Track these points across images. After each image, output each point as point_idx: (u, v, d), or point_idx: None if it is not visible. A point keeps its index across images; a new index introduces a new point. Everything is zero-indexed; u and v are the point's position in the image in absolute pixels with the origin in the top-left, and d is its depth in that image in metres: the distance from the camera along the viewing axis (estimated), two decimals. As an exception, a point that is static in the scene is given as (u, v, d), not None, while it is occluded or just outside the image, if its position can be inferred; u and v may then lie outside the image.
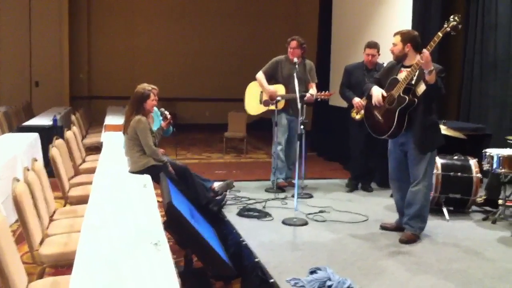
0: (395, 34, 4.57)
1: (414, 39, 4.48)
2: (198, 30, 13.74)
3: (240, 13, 13.90)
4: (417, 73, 4.34)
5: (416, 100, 4.36)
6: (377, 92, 4.58)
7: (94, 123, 10.89)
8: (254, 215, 5.13)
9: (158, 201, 3.75)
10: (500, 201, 5.19)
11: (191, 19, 13.70)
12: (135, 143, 4.90)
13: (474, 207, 5.48)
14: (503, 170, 4.96)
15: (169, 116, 5.40)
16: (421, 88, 4.32)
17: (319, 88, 6.42)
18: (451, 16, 4.29)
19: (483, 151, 5.21)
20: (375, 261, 4.02)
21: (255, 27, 13.92)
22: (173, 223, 3.52)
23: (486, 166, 5.12)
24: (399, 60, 4.55)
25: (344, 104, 6.66)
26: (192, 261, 4.02)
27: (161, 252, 2.59)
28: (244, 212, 5.19)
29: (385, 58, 6.23)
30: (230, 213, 5.17)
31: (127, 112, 5.08)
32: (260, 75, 6.36)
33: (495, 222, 5.02)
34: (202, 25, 13.75)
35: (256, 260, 3.88)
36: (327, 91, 6.39)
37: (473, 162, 5.37)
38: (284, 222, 4.93)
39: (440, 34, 4.25)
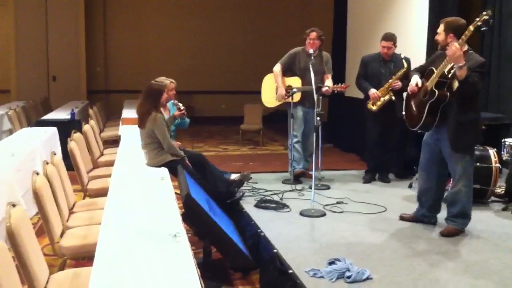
0: (441, 22, 4.41)
1: (458, 29, 4.25)
2: (212, 25, 13.73)
3: (253, 7, 13.86)
4: (452, 67, 4.15)
5: (448, 95, 4.20)
6: (413, 81, 4.47)
7: (111, 116, 10.96)
8: (271, 207, 5.14)
9: (176, 193, 3.77)
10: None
11: (205, 14, 13.69)
12: (152, 140, 4.89)
13: (493, 198, 5.43)
14: (522, 160, 4.91)
15: (182, 107, 5.40)
16: (456, 83, 4.16)
17: (335, 80, 6.39)
18: (484, 11, 4.13)
19: (502, 140, 5.16)
20: (393, 252, 4.01)
21: (268, 21, 13.88)
22: (191, 214, 3.54)
23: (505, 156, 5.07)
24: (444, 49, 4.33)
25: (360, 95, 6.63)
26: (211, 252, 4.04)
27: (180, 243, 2.60)
28: (262, 204, 5.20)
29: (401, 49, 6.20)
30: (248, 205, 5.19)
31: (140, 106, 4.97)
32: (277, 68, 6.34)
33: (515, 213, 4.98)
34: (216, 20, 13.73)
35: (275, 251, 3.89)
36: (343, 84, 6.35)
37: (492, 152, 5.31)
38: (301, 214, 4.93)
39: (471, 28, 4.09)
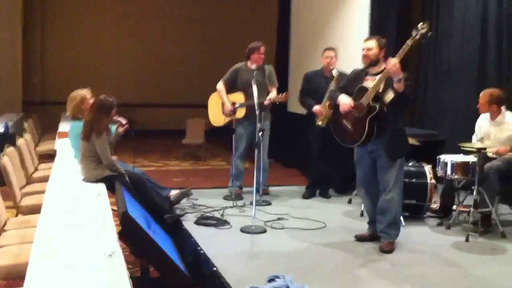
0: (369, 39, 4.55)
1: (386, 46, 4.50)
2: (155, 35, 13.55)
3: (200, 19, 13.79)
4: (384, 82, 4.31)
5: (385, 108, 4.34)
6: (344, 101, 4.51)
7: (47, 129, 10.60)
8: (212, 223, 5.10)
9: (113, 210, 3.67)
10: (454, 207, 5.30)
11: (149, 24, 13.50)
12: (90, 154, 4.76)
13: (429, 213, 5.58)
14: (456, 176, 5.06)
15: (124, 122, 5.29)
16: (389, 96, 4.31)
17: (278, 93, 6.43)
18: (420, 24, 4.26)
19: (437, 157, 5.31)
20: (333, 267, 4.04)
21: (214, 33, 13.83)
22: (129, 232, 3.43)
23: (440, 172, 5.22)
24: (372, 65, 4.49)
25: (302, 110, 6.69)
26: (149, 271, 3.94)
27: (115, 263, 2.52)
28: (202, 220, 5.15)
29: (343, 64, 6.31)
30: (188, 222, 5.12)
31: (92, 119, 4.82)
32: (220, 86, 6.33)
33: (450, 228, 5.12)
34: (159, 30, 13.57)
35: (214, 269, 3.85)
36: (284, 93, 6.32)
37: (427, 168, 5.46)
38: (242, 230, 4.90)
39: (409, 42, 4.24)
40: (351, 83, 4.64)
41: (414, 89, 7.89)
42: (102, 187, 4.15)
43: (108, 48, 13.33)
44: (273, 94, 6.22)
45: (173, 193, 5.37)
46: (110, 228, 3.11)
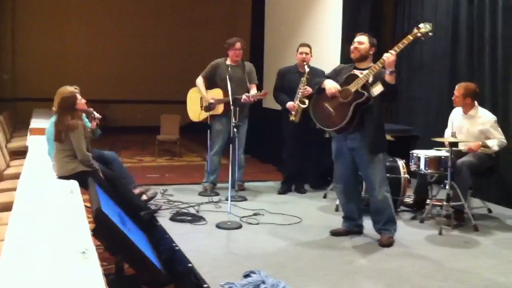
0: (361, 34, 4.54)
1: (376, 46, 4.54)
2: (129, 31, 13.41)
3: (173, 15, 13.71)
4: (373, 73, 4.30)
5: (371, 99, 4.34)
6: (331, 84, 4.45)
7: (19, 126, 10.42)
8: (187, 220, 5.07)
9: (86, 207, 3.62)
10: (427, 201, 5.36)
11: (123, 20, 13.35)
12: (65, 147, 4.70)
13: (402, 207, 5.64)
14: (429, 171, 5.12)
15: (96, 116, 5.23)
16: (377, 88, 4.31)
17: (258, 90, 6.41)
18: (422, 24, 4.25)
19: (410, 152, 5.36)
20: (308, 262, 4.05)
21: (188, 29, 13.75)
22: (102, 229, 3.40)
23: (413, 167, 5.27)
24: (361, 60, 4.48)
25: (277, 106, 6.70)
26: (123, 268, 3.90)
27: (89, 260, 2.48)
28: (177, 217, 5.12)
29: (316, 61, 6.33)
30: (163, 218, 5.09)
31: (58, 122, 4.79)
32: (200, 80, 6.31)
33: (423, 221, 5.18)
34: (134, 26, 13.43)
35: (190, 265, 3.83)
36: (261, 91, 6.34)
37: (401, 163, 5.52)
38: (218, 226, 4.89)
39: (410, 37, 4.23)
40: (337, 75, 4.61)
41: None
42: (75, 184, 4.10)
43: (80, 45, 13.15)
44: (253, 91, 6.20)
45: (139, 190, 5.35)
46: (83, 225, 3.07)
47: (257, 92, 6.19)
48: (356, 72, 4.44)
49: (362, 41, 4.50)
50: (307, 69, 6.03)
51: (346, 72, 4.53)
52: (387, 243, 4.48)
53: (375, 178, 4.50)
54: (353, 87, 4.37)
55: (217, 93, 6.21)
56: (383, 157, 4.58)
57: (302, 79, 6.06)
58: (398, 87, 4.35)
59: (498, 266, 4.05)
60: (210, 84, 6.31)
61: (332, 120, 4.49)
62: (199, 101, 6.36)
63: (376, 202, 4.55)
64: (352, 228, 4.76)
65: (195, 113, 6.43)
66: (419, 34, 4.24)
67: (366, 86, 4.34)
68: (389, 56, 4.18)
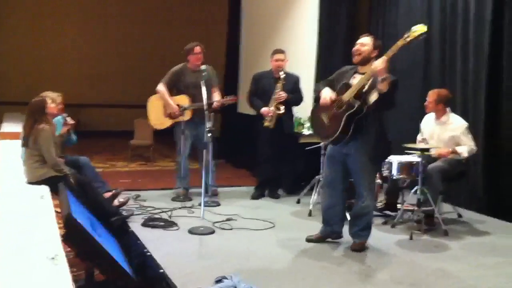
0: (365, 36, 4.43)
1: (380, 48, 4.40)
2: (103, 34, 13.30)
3: (148, 18, 13.61)
4: (370, 81, 4.21)
5: (364, 108, 4.24)
6: (325, 94, 4.40)
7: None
8: (159, 225, 5.03)
9: (57, 212, 3.57)
10: (398, 206, 5.42)
11: (96, 23, 13.22)
12: (34, 152, 4.65)
13: (375, 212, 5.67)
14: (401, 176, 5.18)
15: (69, 121, 5.17)
16: (373, 97, 4.21)
17: (228, 94, 6.40)
18: (414, 27, 4.10)
19: (383, 157, 5.40)
20: (280, 267, 4.06)
21: (162, 33, 13.68)
22: (73, 235, 3.35)
23: (385, 172, 5.33)
24: (363, 63, 4.36)
25: (252, 111, 6.71)
26: (94, 274, 3.86)
27: (58, 266, 2.46)
28: (149, 222, 5.08)
29: (292, 67, 6.36)
30: (135, 224, 5.04)
31: (25, 125, 4.77)
32: (162, 87, 6.22)
33: (394, 226, 5.23)
34: (108, 29, 13.32)
35: (161, 271, 3.80)
36: (231, 96, 6.31)
37: (373, 168, 5.56)
38: (190, 232, 4.86)
39: (399, 43, 4.09)
40: (338, 78, 4.52)
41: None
42: (45, 189, 4.05)
43: (52, 49, 12.95)
44: (218, 95, 6.19)
45: (108, 195, 5.31)
46: (53, 231, 3.03)
47: (226, 97, 6.18)
48: (353, 81, 4.35)
49: (364, 42, 4.36)
50: (282, 75, 6.06)
51: (348, 76, 4.44)
52: (359, 248, 4.50)
53: (365, 184, 4.45)
54: (346, 97, 4.29)
55: (183, 100, 6.16)
56: (376, 167, 4.56)
57: (277, 85, 6.09)
58: (394, 96, 4.18)
59: (467, 270, 4.11)
60: (171, 91, 6.25)
61: (326, 131, 4.45)
62: (162, 108, 6.28)
63: (360, 208, 4.51)
64: (329, 234, 4.71)
65: (159, 120, 6.33)
66: (408, 39, 4.08)
67: (361, 95, 4.25)
68: (377, 64, 4.08)
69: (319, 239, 4.71)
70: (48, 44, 12.94)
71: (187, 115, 6.14)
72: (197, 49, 6.13)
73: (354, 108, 4.23)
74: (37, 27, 12.87)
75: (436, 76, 6.62)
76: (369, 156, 4.37)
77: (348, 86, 4.35)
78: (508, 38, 5.65)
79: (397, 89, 4.26)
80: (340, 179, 4.59)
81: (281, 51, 6.27)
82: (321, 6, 7.11)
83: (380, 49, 4.40)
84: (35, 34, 12.84)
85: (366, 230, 4.58)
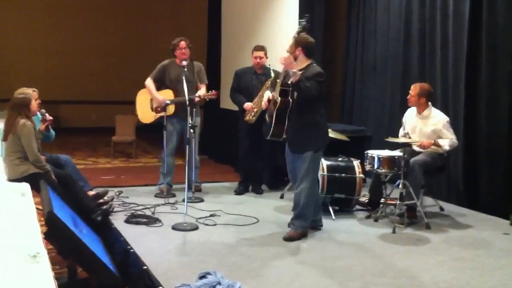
0: (292, 39, 4.72)
1: (306, 44, 4.63)
2: (83, 28, 13.13)
3: (126, 13, 13.48)
4: (283, 76, 4.56)
5: (290, 101, 4.56)
6: (265, 97, 4.88)
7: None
8: (142, 222, 5.01)
9: (38, 210, 3.54)
10: (381, 200, 5.46)
11: (74, 16, 13.04)
12: (15, 148, 4.60)
13: (358, 206, 5.72)
14: (383, 170, 5.22)
15: (47, 117, 5.13)
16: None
17: (210, 89, 6.39)
18: (301, 20, 4.70)
19: (365, 152, 5.45)
20: (263, 262, 4.06)
21: (143, 29, 13.60)
22: (55, 232, 3.34)
23: (368, 167, 5.36)
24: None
25: (234, 107, 6.70)
26: (76, 271, 3.83)
27: (40, 264, 2.43)
28: (132, 219, 5.05)
29: (272, 63, 6.36)
30: (117, 220, 5.02)
31: (8, 119, 4.74)
32: (149, 81, 6.26)
33: (377, 220, 5.27)
34: (88, 23, 13.16)
35: (144, 267, 3.78)
36: (213, 91, 6.29)
37: (356, 163, 5.60)
38: (173, 228, 4.85)
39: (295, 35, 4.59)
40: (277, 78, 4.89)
41: (343, 86, 8.09)
42: (26, 186, 4.00)
43: (30, 44, 12.78)
44: (202, 91, 6.19)
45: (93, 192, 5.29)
46: (34, 228, 3.00)
47: (209, 92, 6.17)
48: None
49: (288, 49, 4.66)
50: (272, 74, 6.04)
51: (282, 75, 4.75)
52: (288, 237, 4.61)
53: (299, 172, 4.67)
54: (276, 95, 4.66)
55: (168, 94, 6.17)
56: (313, 156, 4.64)
57: (266, 82, 6.06)
58: (303, 85, 4.38)
59: (448, 262, 4.16)
60: (158, 86, 6.28)
61: (267, 129, 4.78)
62: (149, 102, 6.32)
63: (294, 196, 4.75)
64: (311, 225, 4.84)
65: (146, 114, 6.39)
66: (298, 30, 4.64)
67: (285, 91, 4.58)
68: (281, 58, 4.50)
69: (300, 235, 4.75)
70: (25, 41, 12.71)
71: (170, 110, 6.12)
72: (182, 44, 6.12)
73: (278, 103, 4.59)
74: (12, 25, 12.62)
75: (415, 70, 6.66)
76: (289, 145, 4.72)
77: (274, 84, 4.78)
78: (486, 32, 5.70)
79: (320, 82, 4.51)
80: (296, 173, 4.78)
81: (260, 48, 6.26)
82: (300, 1, 7.11)
83: (305, 45, 4.66)
84: (10, 33, 12.58)
85: (298, 220, 4.71)
